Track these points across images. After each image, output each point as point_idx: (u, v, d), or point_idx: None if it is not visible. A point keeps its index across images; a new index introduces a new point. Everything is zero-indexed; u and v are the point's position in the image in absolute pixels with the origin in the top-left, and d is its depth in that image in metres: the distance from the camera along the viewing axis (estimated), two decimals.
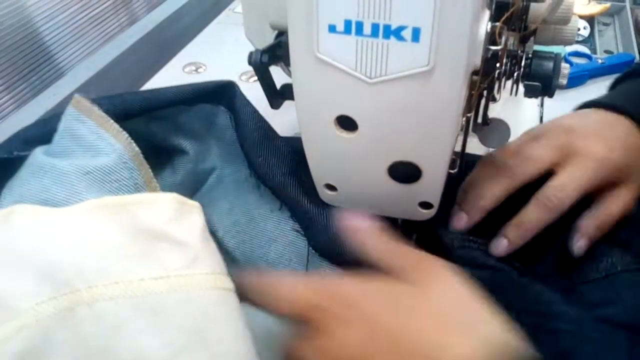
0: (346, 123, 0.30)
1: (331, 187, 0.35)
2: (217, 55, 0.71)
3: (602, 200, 0.39)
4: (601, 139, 0.39)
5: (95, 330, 0.24)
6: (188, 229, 0.28)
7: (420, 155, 0.31)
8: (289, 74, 0.32)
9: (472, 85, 0.33)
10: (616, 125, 0.41)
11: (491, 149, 0.39)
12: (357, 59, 0.27)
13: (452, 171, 0.36)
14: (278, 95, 0.36)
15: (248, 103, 0.40)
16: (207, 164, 0.42)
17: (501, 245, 0.39)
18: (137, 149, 0.32)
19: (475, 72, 0.31)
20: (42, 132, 0.34)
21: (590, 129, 0.41)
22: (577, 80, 0.63)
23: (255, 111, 0.39)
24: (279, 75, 0.36)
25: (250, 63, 0.33)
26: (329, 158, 0.33)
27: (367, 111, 0.29)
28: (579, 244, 0.38)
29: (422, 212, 0.34)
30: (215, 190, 0.41)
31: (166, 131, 0.40)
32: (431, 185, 0.32)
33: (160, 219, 0.28)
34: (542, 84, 0.34)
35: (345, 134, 0.31)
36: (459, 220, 0.40)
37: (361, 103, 0.29)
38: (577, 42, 0.71)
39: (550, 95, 0.35)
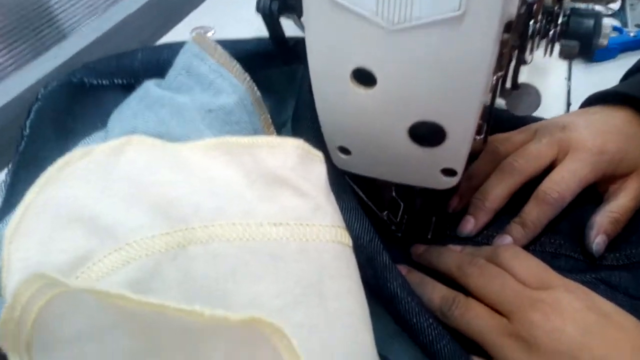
0: (363, 77, 0.27)
1: (345, 151, 0.32)
2: (226, 18, 0.68)
3: (613, 194, 0.40)
4: (597, 132, 0.40)
5: (208, 271, 0.23)
6: (311, 178, 0.27)
7: (445, 114, 0.28)
8: (303, 27, 0.30)
9: (503, 44, 0.30)
10: (614, 116, 0.42)
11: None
12: (378, 3, 0.24)
13: (478, 137, 0.33)
14: (288, 50, 0.33)
15: None
16: (281, 117, 0.40)
17: (506, 243, 0.39)
18: (258, 93, 0.31)
19: (507, 29, 0.28)
20: (117, 66, 0.35)
21: (586, 123, 0.41)
22: (607, 53, 0.59)
23: None
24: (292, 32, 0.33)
25: (258, 10, 0.30)
26: (343, 117, 0.30)
27: (387, 63, 0.26)
28: (597, 240, 0.38)
29: (445, 179, 0.32)
30: None
31: None
32: (455, 150, 0.29)
33: (284, 164, 0.26)
34: (580, 43, 0.31)
35: (362, 90, 0.28)
36: (467, 224, 0.41)
37: (381, 54, 0.26)
38: (608, 15, 0.67)
39: (589, 57, 0.32)
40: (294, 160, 0.26)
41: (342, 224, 0.28)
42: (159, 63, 0.34)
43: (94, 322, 0.19)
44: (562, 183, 0.39)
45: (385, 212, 0.38)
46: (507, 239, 0.39)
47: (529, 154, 0.41)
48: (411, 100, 0.27)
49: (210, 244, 0.23)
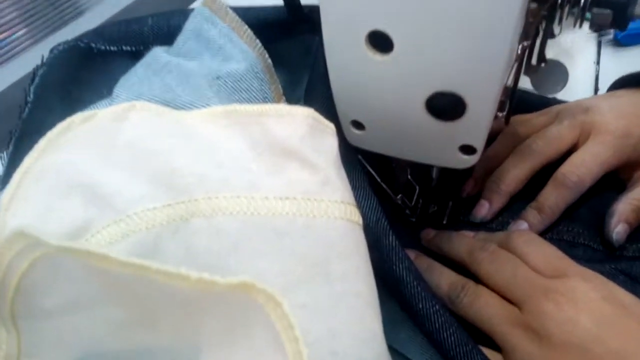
0: (379, 41, 0.25)
1: (359, 125, 0.31)
2: None
3: (637, 181, 0.37)
4: (622, 115, 0.38)
5: (210, 246, 0.21)
6: (321, 150, 0.25)
7: (466, 84, 0.26)
8: None
9: (530, 13, 0.28)
10: None
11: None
12: None
13: (500, 113, 0.31)
14: (303, 18, 0.32)
15: None
16: (296, 92, 0.38)
17: (522, 229, 0.38)
18: (269, 60, 0.30)
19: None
20: (126, 32, 0.34)
21: (611, 107, 0.39)
22: (638, 38, 0.57)
23: None
24: None
25: None
26: (357, 88, 0.28)
27: (405, 25, 0.24)
28: (617, 229, 0.36)
29: (464, 157, 0.30)
30: None
31: None
32: (475, 124, 0.28)
33: (294, 134, 0.25)
34: (614, 13, 0.29)
35: (378, 56, 0.26)
36: (481, 208, 0.39)
37: (399, 15, 0.24)
38: None
39: (624, 28, 0.30)
40: (303, 130, 0.25)
41: (353, 200, 0.26)
42: (169, 29, 0.33)
43: (81, 290, 0.18)
44: (583, 166, 0.37)
45: (400, 195, 0.37)
46: (523, 225, 0.37)
47: (549, 136, 0.39)
48: (430, 68, 0.25)
49: (214, 218, 0.22)
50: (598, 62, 0.55)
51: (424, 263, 0.34)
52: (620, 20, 0.29)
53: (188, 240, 0.21)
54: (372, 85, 0.28)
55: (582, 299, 0.28)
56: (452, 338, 0.27)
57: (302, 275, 0.22)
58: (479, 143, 0.29)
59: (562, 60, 0.55)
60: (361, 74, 0.27)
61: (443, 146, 0.29)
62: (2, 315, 0.17)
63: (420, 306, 0.27)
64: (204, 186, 0.22)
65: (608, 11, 0.29)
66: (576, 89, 0.51)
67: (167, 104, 0.26)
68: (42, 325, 0.18)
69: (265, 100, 0.29)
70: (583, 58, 0.56)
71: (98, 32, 0.33)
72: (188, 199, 0.22)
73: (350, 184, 0.27)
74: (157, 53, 0.29)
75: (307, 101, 0.33)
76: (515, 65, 0.30)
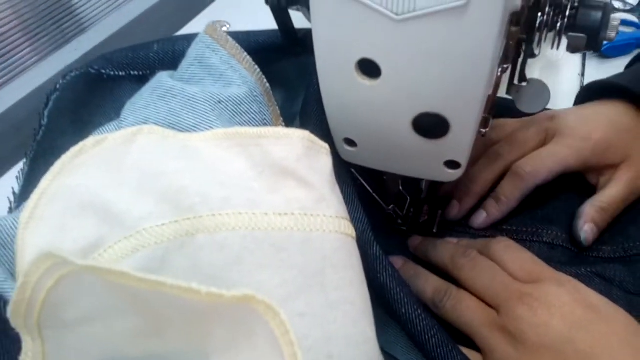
0: (369, 68, 0.28)
1: (351, 142, 0.33)
2: (241, 13, 0.69)
3: (602, 185, 0.40)
4: (584, 120, 0.41)
5: (214, 260, 0.23)
6: (316, 170, 0.27)
7: (449, 106, 0.28)
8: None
9: (510, 36, 0.30)
10: (606, 107, 0.42)
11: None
12: None
13: (483, 130, 0.33)
14: (298, 42, 0.34)
15: None
16: (293, 109, 0.40)
17: (481, 218, 0.40)
18: (267, 84, 0.32)
19: (515, 23, 0.29)
20: (133, 57, 0.35)
21: (575, 114, 0.42)
22: (623, 49, 0.59)
23: None
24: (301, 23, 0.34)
25: (267, 2, 0.30)
26: (348, 109, 0.30)
27: (393, 54, 0.26)
28: (585, 228, 0.38)
29: (449, 172, 0.32)
30: None
31: None
32: (459, 142, 0.30)
33: (291, 155, 0.26)
34: (587, 37, 0.31)
35: (367, 81, 0.28)
36: (452, 209, 0.41)
37: (386, 44, 0.26)
38: (625, 10, 0.66)
39: (597, 50, 0.32)
40: (300, 151, 0.27)
41: (346, 215, 0.28)
42: (174, 54, 0.35)
43: (101, 302, 0.20)
44: (537, 159, 0.39)
45: (392, 206, 0.39)
46: (482, 214, 0.40)
47: (515, 141, 0.41)
48: (415, 92, 0.28)
49: (218, 233, 0.23)
50: (583, 74, 0.57)
51: (410, 270, 0.36)
52: (593, 44, 0.31)
53: (194, 255, 0.23)
54: (363, 107, 0.30)
55: (555, 303, 0.30)
56: (434, 340, 0.29)
57: (300, 286, 0.24)
58: (463, 159, 0.31)
59: (548, 71, 0.57)
60: (352, 96, 0.29)
61: (429, 162, 0.31)
62: (29, 326, 0.19)
63: (404, 311, 0.29)
64: (208, 204, 0.24)
65: (582, 35, 0.31)
66: (562, 100, 0.53)
67: (172, 127, 0.28)
68: (64, 334, 0.20)
69: (264, 121, 0.31)
70: (568, 70, 0.58)
71: (107, 59, 0.35)
72: (193, 215, 0.24)
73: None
74: (162, 78, 0.31)
75: (303, 118, 0.35)
76: (495, 86, 0.32)
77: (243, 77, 0.31)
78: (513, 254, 0.34)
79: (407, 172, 0.33)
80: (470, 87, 0.27)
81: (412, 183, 0.39)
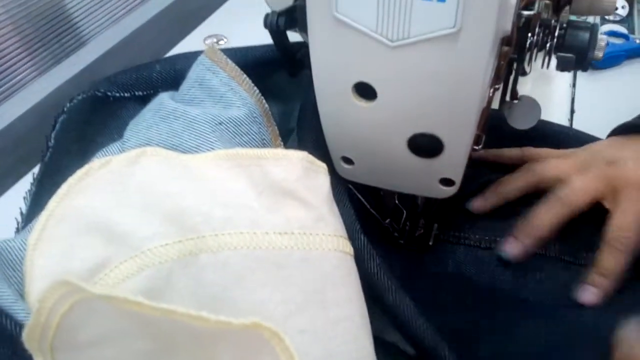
0: (365, 91, 0.28)
1: (348, 160, 0.34)
2: (239, 27, 0.70)
3: None
4: None
5: (217, 279, 0.24)
6: (315, 189, 0.28)
7: (443, 127, 0.29)
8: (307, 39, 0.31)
9: (501, 56, 0.31)
10: None
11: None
12: (378, 20, 0.25)
13: (476, 147, 0.34)
14: (296, 62, 0.35)
15: None
16: (290, 123, 0.41)
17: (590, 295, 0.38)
18: (267, 105, 0.33)
19: (505, 42, 0.30)
20: (136, 78, 0.36)
21: (633, 158, 0.40)
22: (613, 60, 0.60)
23: None
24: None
25: (265, 26, 0.31)
26: (346, 129, 0.31)
27: (387, 78, 0.27)
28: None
29: (443, 189, 0.33)
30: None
31: None
32: (453, 161, 0.31)
33: (290, 176, 0.27)
34: (576, 57, 0.32)
35: (363, 103, 0.29)
36: (509, 245, 0.40)
37: (381, 69, 0.27)
38: (615, 21, 0.67)
39: (585, 69, 0.33)
40: (298, 172, 0.28)
41: (344, 233, 0.29)
42: (175, 73, 0.36)
43: (112, 326, 0.21)
44: (628, 229, 0.38)
45: (388, 219, 0.39)
46: (589, 289, 0.38)
47: (576, 188, 0.40)
48: (410, 113, 0.28)
49: (220, 253, 0.24)
50: (574, 85, 0.59)
51: None
52: (581, 63, 0.32)
53: (197, 274, 0.24)
54: (359, 127, 0.30)
55: None
56: (421, 327, 0.30)
57: (300, 303, 0.25)
58: (456, 176, 0.32)
59: (540, 83, 0.58)
60: (349, 117, 0.30)
61: (424, 179, 0.32)
62: (42, 349, 0.20)
63: (391, 298, 0.30)
64: (211, 224, 0.25)
65: (571, 55, 0.32)
66: (553, 110, 0.55)
67: (174, 148, 0.29)
68: (76, 356, 0.20)
69: (263, 142, 0.31)
70: (560, 81, 0.59)
71: (112, 81, 0.36)
72: (196, 235, 0.24)
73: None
74: (164, 100, 0.32)
75: (300, 136, 0.36)
76: (488, 104, 0.33)
77: (242, 98, 0.31)
78: None
79: (403, 189, 0.34)
80: (463, 109, 0.28)
81: (408, 197, 0.40)
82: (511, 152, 0.45)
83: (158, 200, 0.25)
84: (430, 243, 0.41)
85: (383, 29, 0.26)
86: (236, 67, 0.32)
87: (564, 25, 0.33)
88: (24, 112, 0.56)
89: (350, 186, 0.38)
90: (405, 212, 0.41)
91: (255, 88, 0.32)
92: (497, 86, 0.32)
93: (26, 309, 0.22)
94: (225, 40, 0.68)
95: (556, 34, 0.32)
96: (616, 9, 0.68)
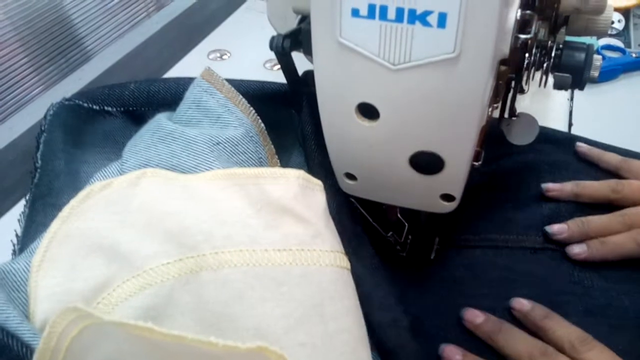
0: (368, 111, 0.29)
1: (351, 176, 0.35)
2: (242, 42, 0.71)
3: None
4: None
5: (218, 296, 0.24)
6: (311, 206, 0.29)
7: (443, 145, 0.30)
8: (312, 60, 0.32)
9: (499, 75, 0.32)
10: None
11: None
12: (381, 45, 0.26)
13: (475, 163, 0.35)
14: (300, 82, 0.36)
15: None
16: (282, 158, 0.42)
17: (579, 249, 0.40)
18: (262, 125, 0.33)
19: (503, 62, 0.30)
20: (108, 94, 0.37)
21: None
22: (609, 74, 0.61)
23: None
24: (301, 62, 0.36)
25: (271, 48, 0.32)
26: (349, 146, 0.32)
27: (390, 99, 0.28)
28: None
29: (444, 204, 0.34)
30: None
31: None
32: (453, 177, 0.31)
33: (287, 194, 0.28)
34: (572, 76, 0.33)
35: (366, 123, 0.30)
36: (576, 248, 0.40)
37: (384, 90, 0.28)
38: (611, 35, 0.69)
39: (581, 88, 0.34)
40: (295, 189, 0.29)
41: (341, 248, 0.30)
42: (148, 94, 0.37)
43: (121, 349, 0.21)
44: None
45: (390, 232, 0.40)
46: (582, 247, 0.40)
47: None
48: (411, 133, 0.29)
49: (220, 270, 0.25)
50: (571, 99, 0.60)
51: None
52: (578, 83, 0.33)
53: (198, 291, 0.24)
54: (362, 145, 0.31)
55: None
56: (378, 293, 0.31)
57: (300, 318, 0.25)
58: (457, 192, 0.33)
59: (538, 97, 0.59)
60: (352, 135, 0.31)
61: (426, 195, 0.33)
62: None
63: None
64: (211, 242, 0.26)
65: (567, 75, 0.33)
66: (551, 124, 0.55)
67: (173, 168, 0.30)
68: None
69: (260, 160, 0.32)
70: (557, 95, 0.60)
71: (82, 93, 0.37)
72: (197, 254, 0.25)
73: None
74: (162, 122, 0.32)
75: (308, 162, 0.37)
76: (488, 122, 0.34)
77: (239, 118, 0.32)
78: (596, 354, 0.33)
79: (405, 204, 0.35)
80: (463, 128, 0.29)
81: (410, 211, 0.40)
82: (610, 159, 0.45)
83: (159, 220, 0.26)
84: (432, 257, 0.42)
85: (385, 53, 0.27)
86: (232, 88, 0.33)
87: (560, 45, 0.34)
88: (31, 126, 0.57)
89: (353, 200, 0.39)
90: (407, 225, 0.42)
91: (252, 108, 0.33)
92: (495, 105, 0.33)
93: (32, 330, 0.23)
94: (228, 54, 0.69)
95: (553, 54, 0.33)
96: (612, 22, 0.70)
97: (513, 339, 0.35)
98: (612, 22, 0.69)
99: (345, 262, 0.29)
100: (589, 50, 0.33)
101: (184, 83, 0.37)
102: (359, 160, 0.33)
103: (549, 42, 0.34)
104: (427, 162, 0.31)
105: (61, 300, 0.24)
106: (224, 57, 0.68)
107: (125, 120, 0.38)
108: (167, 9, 0.76)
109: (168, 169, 0.29)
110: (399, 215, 0.41)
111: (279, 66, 0.35)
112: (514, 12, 0.27)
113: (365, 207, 0.40)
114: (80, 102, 0.36)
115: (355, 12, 0.25)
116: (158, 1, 0.80)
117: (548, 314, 0.36)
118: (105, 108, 0.38)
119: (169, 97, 0.37)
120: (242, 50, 0.69)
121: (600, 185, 0.43)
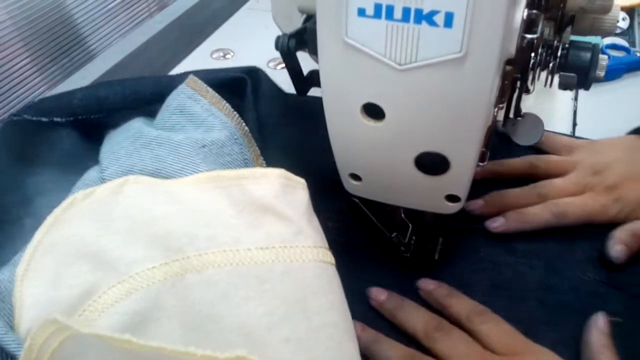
0: (373, 111, 0.29)
1: (356, 177, 0.34)
2: (245, 41, 0.71)
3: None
4: (629, 176, 0.43)
5: (203, 297, 0.25)
6: (293, 204, 0.29)
7: (449, 146, 0.30)
8: (317, 60, 0.32)
9: (505, 75, 0.32)
10: None
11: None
12: (387, 45, 0.26)
13: (481, 164, 0.35)
14: (305, 82, 0.36)
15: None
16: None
17: (498, 222, 0.43)
18: (246, 127, 0.34)
19: (509, 62, 0.30)
20: (57, 105, 0.36)
21: (621, 167, 0.44)
22: (613, 73, 0.61)
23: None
24: (306, 62, 0.36)
25: (277, 48, 0.32)
26: (354, 147, 0.32)
27: (395, 99, 0.28)
28: (616, 247, 0.40)
29: (449, 205, 0.34)
30: None
31: None
32: (459, 178, 0.31)
33: (269, 193, 0.28)
34: (578, 76, 0.33)
35: (372, 123, 0.30)
36: (474, 204, 0.44)
37: (389, 91, 0.28)
38: (615, 34, 0.68)
39: (587, 88, 0.34)
40: (277, 188, 0.29)
41: (324, 244, 0.30)
42: (97, 101, 0.36)
43: (102, 359, 0.21)
44: (571, 206, 0.42)
45: (394, 233, 0.40)
46: (500, 220, 0.42)
47: (555, 188, 0.44)
48: (417, 133, 0.29)
49: (205, 271, 0.25)
50: (576, 98, 0.59)
51: (370, 334, 0.36)
52: (583, 82, 0.33)
53: (184, 293, 0.25)
54: (368, 145, 0.31)
55: None
56: None
57: (283, 314, 0.26)
58: (462, 193, 0.33)
59: (542, 96, 0.59)
60: (358, 136, 0.31)
61: (431, 196, 0.33)
62: None
63: None
64: (195, 244, 0.26)
65: (573, 75, 0.33)
66: (556, 124, 0.55)
67: (158, 172, 0.30)
68: None
69: (245, 161, 0.33)
70: (562, 94, 0.60)
71: (30, 106, 0.36)
72: (182, 256, 0.26)
73: None
74: (142, 129, 0.32)
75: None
76: (493, 123, 0.34)
77: (223, 122, 0.33)
78: (491, 327, 0.35)
79: (410, 205, 0.35)
80: (469, 129, 0.29)
81: (414, 211, 0.40)
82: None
83: (143, 226, 0.26)
84: (436, 257, 0.42)
85: (391, 53, 0.26)
86: (216, 94, 0.33)
87: (566, 45, 0.34)
88: None
89: (357, 200, 0.39)
90: (410, 226, 0.41)
91: (235, 112, 0.33)
92: (501, 105, 0.33)
93: (17, 340, 0.23)
94: (232, 53, 0.69)
95: (558, 54, 0.33)
96: (617, 21, 0.69)
97: (411, 316, 0.36)
98: (617, 21, 0.69)
99: (329, 257, 0.29)
100: (594, 49, 0.33)
101: (130, 85, 0.37)
102: (364, 161, 0.33)
103: (555, 41, 0.34)
104: (432, 163, 0.31)
105: (46, 309, 0.24)
106: (227, 56, 0.68)
107: (75, 130, 0.37)
108: (169, 8, 0.76)
109: (153, 174, 0.30)
110: (403, 216, 0.41)
111: (282, 65, 0.35)
112: (521, 12, 0.27)
113: (369, 207, 0.40)
114: (27, 117, 0.36)
115: (361, 12, 0.25)
116: (161, 0, 0.80)
117: (450, 292, 0.38)
118: (54, 119, 0.37)
119: (119, 100, 0.37)
120: (245, 50, 0.69)
121: (522, 161, 0.46)
